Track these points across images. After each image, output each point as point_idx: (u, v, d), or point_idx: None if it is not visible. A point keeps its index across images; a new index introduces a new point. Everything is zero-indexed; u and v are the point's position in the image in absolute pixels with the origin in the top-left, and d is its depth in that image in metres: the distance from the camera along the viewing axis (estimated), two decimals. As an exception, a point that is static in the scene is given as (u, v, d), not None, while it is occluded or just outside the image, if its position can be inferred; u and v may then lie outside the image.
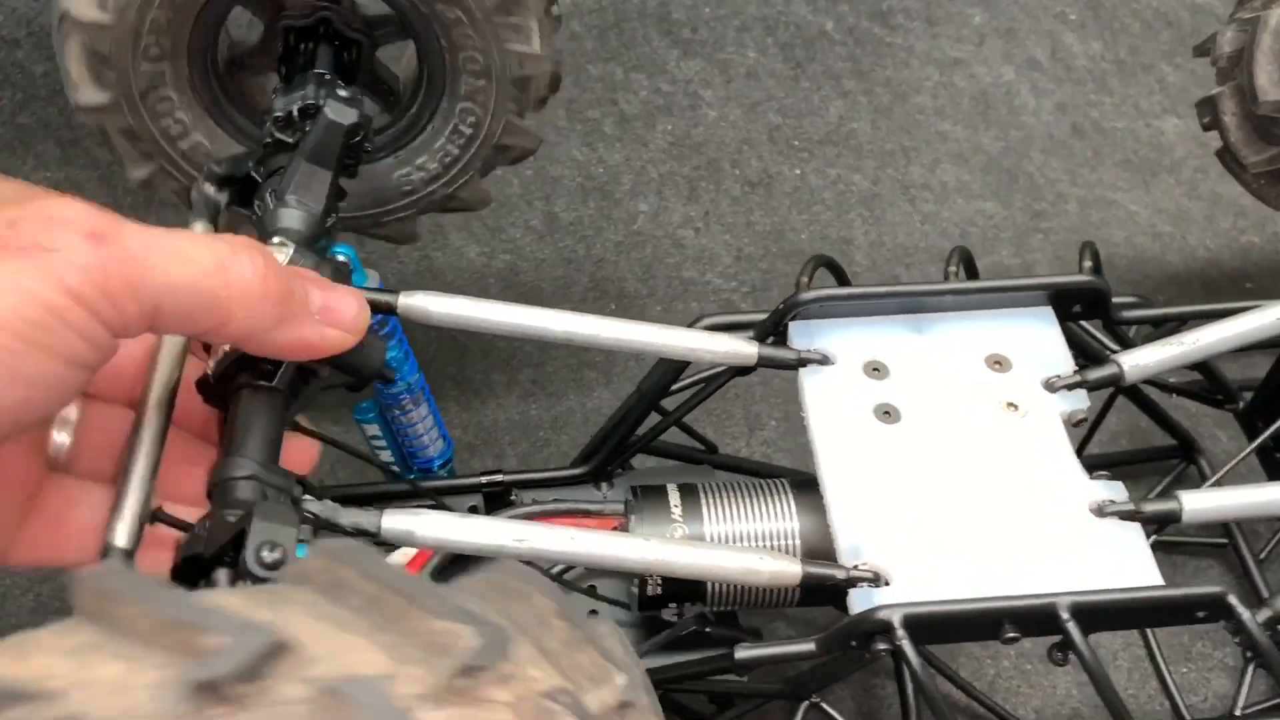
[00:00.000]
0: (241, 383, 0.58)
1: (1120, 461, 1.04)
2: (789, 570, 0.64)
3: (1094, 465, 0.71)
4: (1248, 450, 0.80)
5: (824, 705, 0.72)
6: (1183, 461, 1.04)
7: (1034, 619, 0.62)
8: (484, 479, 0.82)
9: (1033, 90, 1.37)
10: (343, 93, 0.74)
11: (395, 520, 0.62)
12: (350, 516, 0.61)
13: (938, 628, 0.62)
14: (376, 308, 0.72)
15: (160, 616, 0.31)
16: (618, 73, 1.37)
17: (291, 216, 0.68)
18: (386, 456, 0.83)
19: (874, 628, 0.62)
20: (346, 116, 0.71)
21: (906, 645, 0.61)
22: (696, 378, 0.83)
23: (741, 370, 0.78)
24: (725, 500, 0.72)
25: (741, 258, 1.21)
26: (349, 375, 0.60)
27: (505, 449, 1.07)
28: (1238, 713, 0.86)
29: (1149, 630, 0.98)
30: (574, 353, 1.14)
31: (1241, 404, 0.96)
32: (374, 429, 0.80)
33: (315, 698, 0.32)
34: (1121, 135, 1.33)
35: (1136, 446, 1.06)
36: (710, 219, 1.24)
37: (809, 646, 0.64)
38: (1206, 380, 0.96)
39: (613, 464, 0.85)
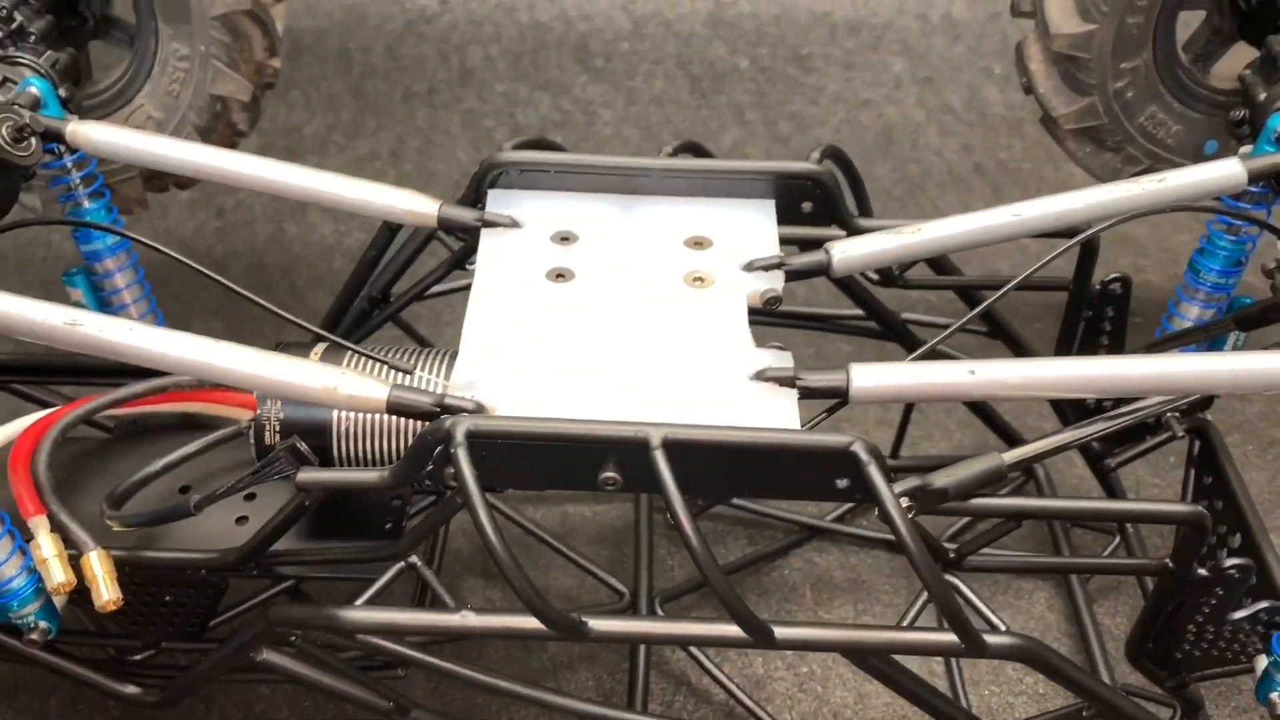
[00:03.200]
0: None
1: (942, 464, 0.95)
2: (373, 393, 0.57)
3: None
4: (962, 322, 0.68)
5: (419, 565, 0.62)
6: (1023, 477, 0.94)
7: (623, 448, 0.54)
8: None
9: (940, 131, 1.32)
10: None
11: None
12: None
13: (515, 451, 0.54)
14: (50, 135, 0.72)
15: None
16: (522, 90, 1.37)
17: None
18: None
19: (439, 441, 0.54)
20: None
21: (462, 455, 0.53)
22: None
23: (466, 255, 0.74)
24: (377, 356, 0.66)
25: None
26: None
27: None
28: (904, 624, 0.77)
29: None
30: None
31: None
32: (79, 293, 0.77)
33: None
34: (1026, 175, 1.27)
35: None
36: (576, 218, 1.21)
37: (381, 474, 0.57)
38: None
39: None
